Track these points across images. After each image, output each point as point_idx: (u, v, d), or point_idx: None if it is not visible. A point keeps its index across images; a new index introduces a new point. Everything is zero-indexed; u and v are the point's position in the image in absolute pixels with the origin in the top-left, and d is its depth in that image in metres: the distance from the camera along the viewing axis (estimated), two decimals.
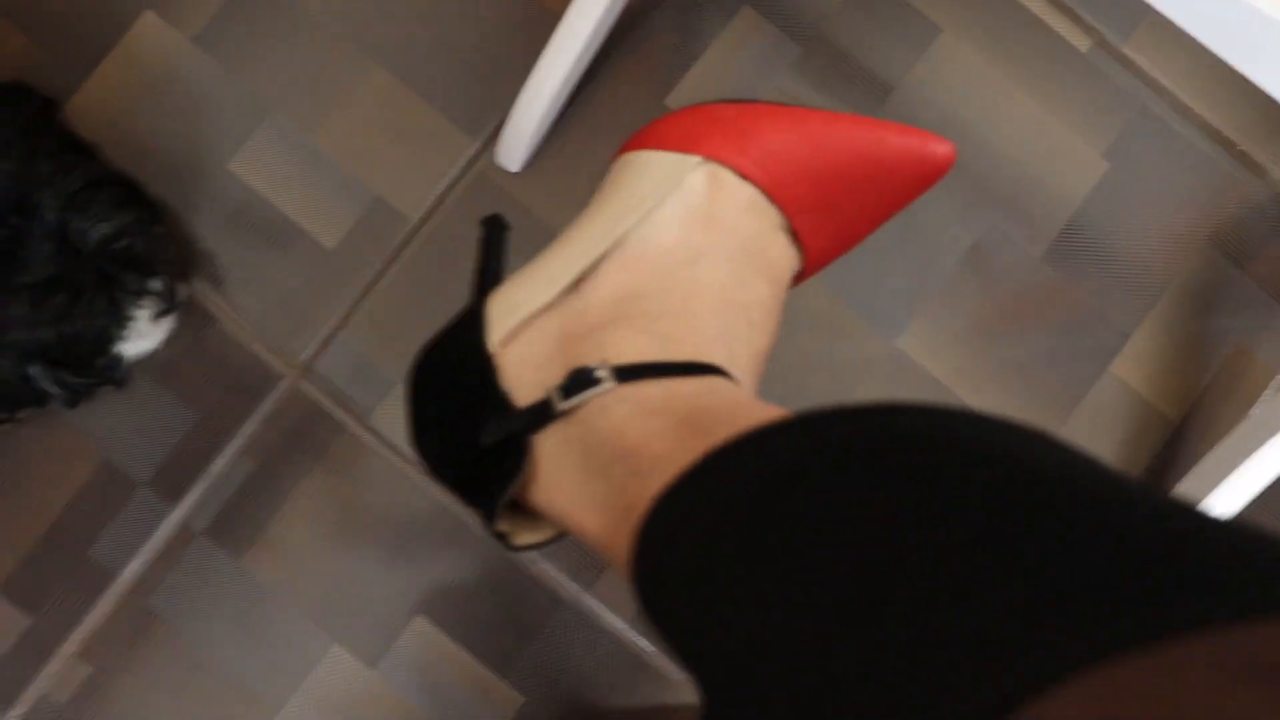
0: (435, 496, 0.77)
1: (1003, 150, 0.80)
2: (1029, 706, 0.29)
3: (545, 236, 0.63)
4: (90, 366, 0.71)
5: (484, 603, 0.77)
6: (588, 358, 0.55)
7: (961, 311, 0.79)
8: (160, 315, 0.72)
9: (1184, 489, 0.76)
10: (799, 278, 0.63)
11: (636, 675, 0.78)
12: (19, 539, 0.76)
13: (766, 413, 0.49)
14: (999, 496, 0.37)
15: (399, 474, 0.77)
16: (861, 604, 0.36)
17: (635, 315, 0.56)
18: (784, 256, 0.61)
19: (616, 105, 0.78)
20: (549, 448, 0.55)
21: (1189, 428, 0.80)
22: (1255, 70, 0.56)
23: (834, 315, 0.78)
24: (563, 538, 0.58)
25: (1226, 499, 0.73)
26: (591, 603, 0.77)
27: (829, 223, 0.62)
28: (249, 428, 0.77)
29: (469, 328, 0.58)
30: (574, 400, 0.54)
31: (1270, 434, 0.71)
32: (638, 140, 0.61)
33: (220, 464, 0.77)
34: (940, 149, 0.61)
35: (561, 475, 0.54)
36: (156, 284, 0.71)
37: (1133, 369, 0.80)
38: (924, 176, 0.62)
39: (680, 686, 0.78)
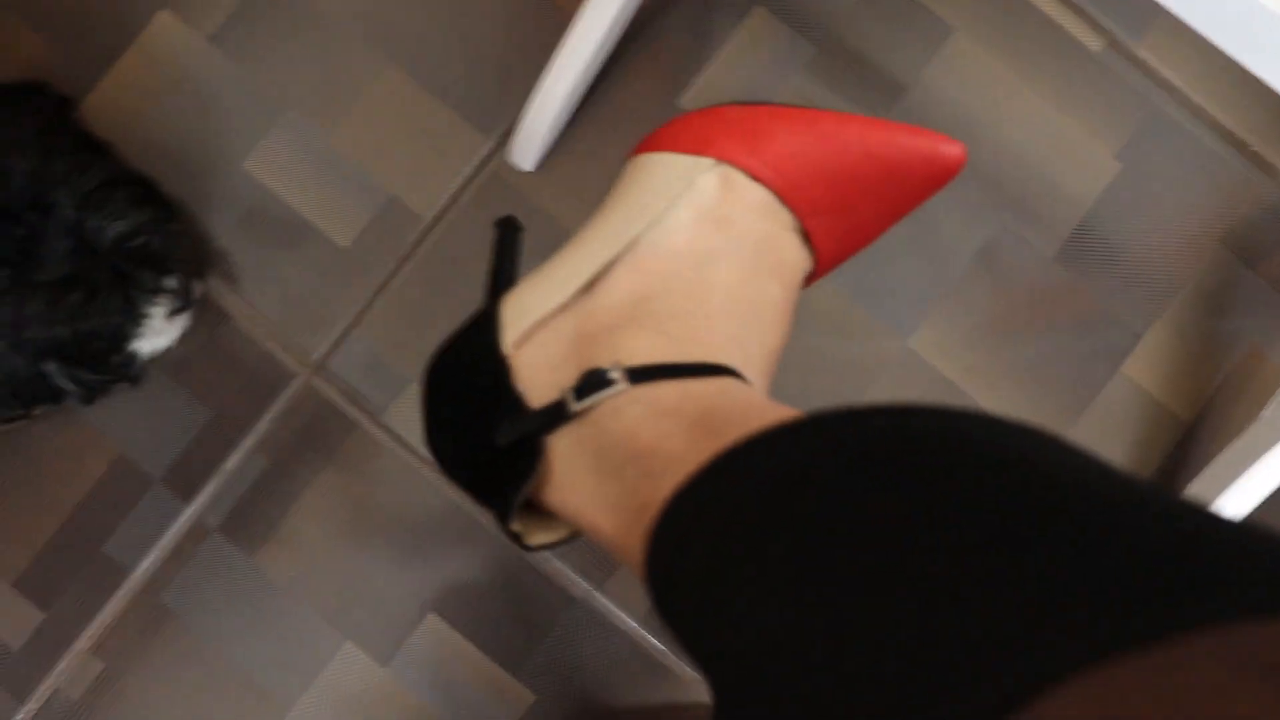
0: (448, 494, 0.77)
1: (1015, 150, 0.80)
2: (1029, 706, 0.30)
3: (558, 235, 0.63)
4: (105, 364, 0.71)
5: (496, 601, 0.77)
6: (601, 359, 0.55)
7: (973, 312, 0.79)
8: (175, 313, 0.72)
9: (1195, 490, 0.76)
10: (810, 278, 0.63)
11: (648, 674, 0.78)
12: (33, 535, 0.76)
13: (779, 413, 0.49)
14: (1010, 498, 0.37)
15: (412, 472, 0.77)
16: (870, 605, 0.36)
17: (648, 317, 0.56)
18: (796, 258, 0.61)
19: (629, 105, 0.78)
20: (562, 449, 0.55)
21: (1200, 428, 0.80)
22: (1268, 71, 0.56)
23: (845, 315, 0.79)
24: (577, 538, 0.58)
25: (1238, 500, 0.72)
26: (603, 601, 0.78)
27: (840, 224, 0.62)
28: (262, 425, 0.77)
29: (483, 329, 0.58)
30: (587, 401, 0.54)
31: None
32: (650, 142, 0.61)
33: (234, 461, 0.77)
34: (951, 150, 0.61)
35: (575, 476, 0.54)
36: (171, 282, 0.71)
37: (1144, 369, 0.79)
38: (935, 178, 0.62)
39: (691, 685, 0.78)
